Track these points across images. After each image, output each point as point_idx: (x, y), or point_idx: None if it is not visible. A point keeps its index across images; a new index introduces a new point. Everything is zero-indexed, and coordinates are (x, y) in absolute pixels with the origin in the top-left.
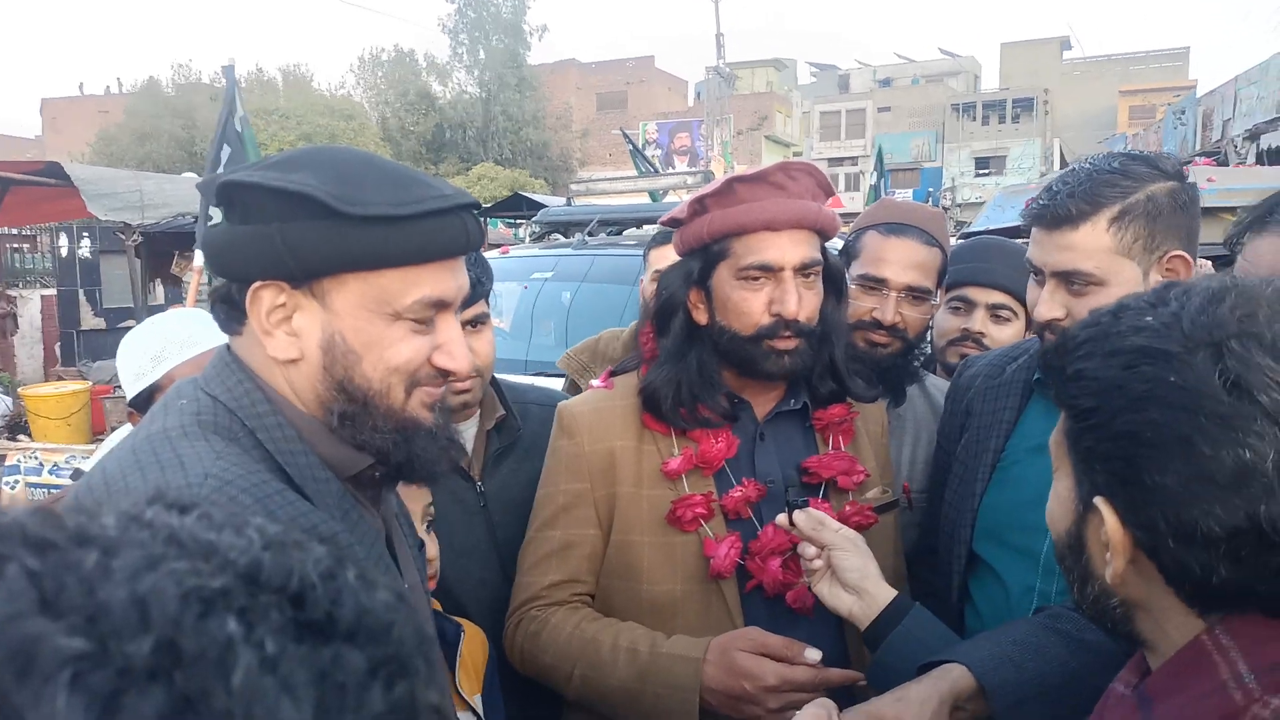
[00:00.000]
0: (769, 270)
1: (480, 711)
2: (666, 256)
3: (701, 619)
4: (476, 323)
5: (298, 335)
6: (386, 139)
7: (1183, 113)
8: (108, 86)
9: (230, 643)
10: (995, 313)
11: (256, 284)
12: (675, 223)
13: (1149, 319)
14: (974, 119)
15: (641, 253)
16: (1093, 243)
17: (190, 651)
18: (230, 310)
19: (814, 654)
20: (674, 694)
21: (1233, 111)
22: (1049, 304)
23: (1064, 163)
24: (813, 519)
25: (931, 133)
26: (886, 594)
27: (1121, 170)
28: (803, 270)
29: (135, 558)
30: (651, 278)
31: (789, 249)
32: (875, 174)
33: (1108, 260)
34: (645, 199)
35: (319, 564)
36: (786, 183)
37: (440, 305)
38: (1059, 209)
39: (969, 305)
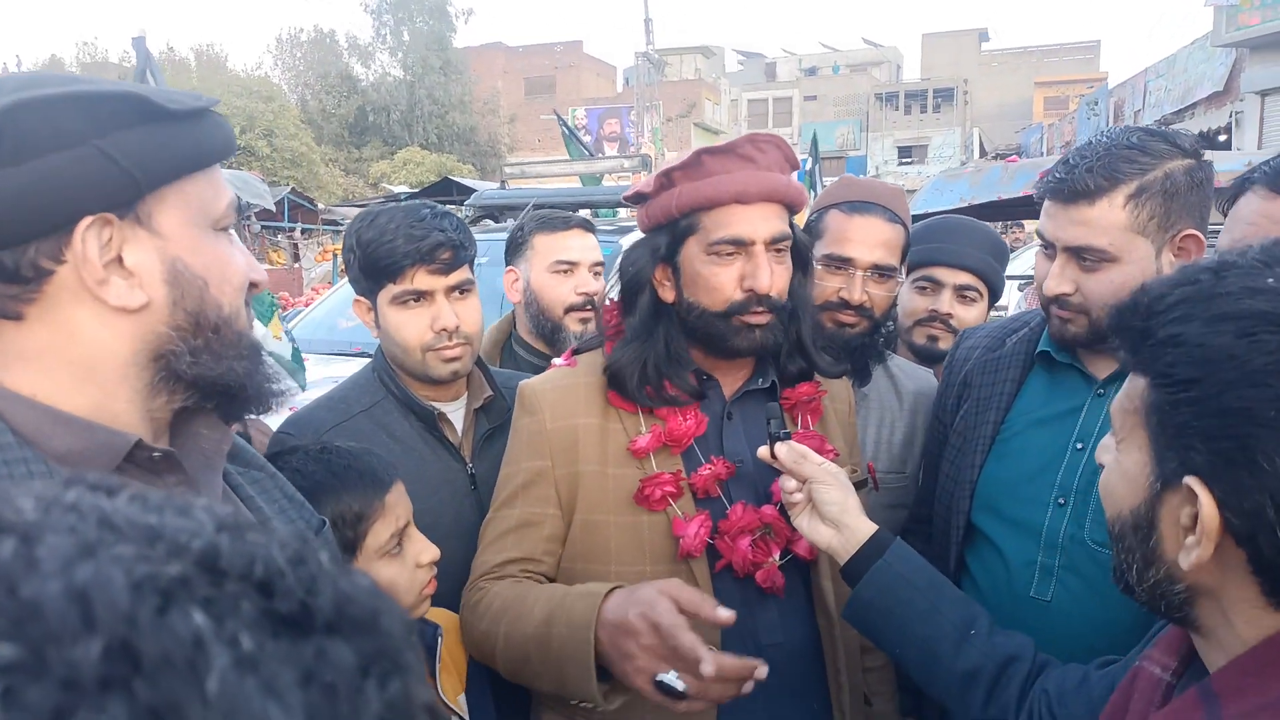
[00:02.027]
0: (740, 244)
1: (465, 714)
2: (565, 245)
3: None
4: (462, 289)
5: (136, 275)
6: (307, 121)
7: (1096, 104)
8: (4, 65)
9: (200, 640)
10: (962, 293)
11: (85, 222)
12: (640, 198)
13: (1269, 280)
14: (897, 108)
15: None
16: (1109, 219)
17: (152, 654)
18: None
19: (726, 613)
20: (573, 633)
21: (1142, 103)
22: (1059, 278)
23: (983, 151)
24: (794, 452)
25: (856, 121)
26: (867, 528)
27: (1140, 146)
28: (774, 244)
29: (65, 544)
30: (551, 268)
31: (760, 222)
32: (810, 159)
33: (1122, 237)
34: (580, 183)
35: (285, 548)
36: (755, 155)
37: (235, 210)
38: (1076, 183)
39: (936, 286)
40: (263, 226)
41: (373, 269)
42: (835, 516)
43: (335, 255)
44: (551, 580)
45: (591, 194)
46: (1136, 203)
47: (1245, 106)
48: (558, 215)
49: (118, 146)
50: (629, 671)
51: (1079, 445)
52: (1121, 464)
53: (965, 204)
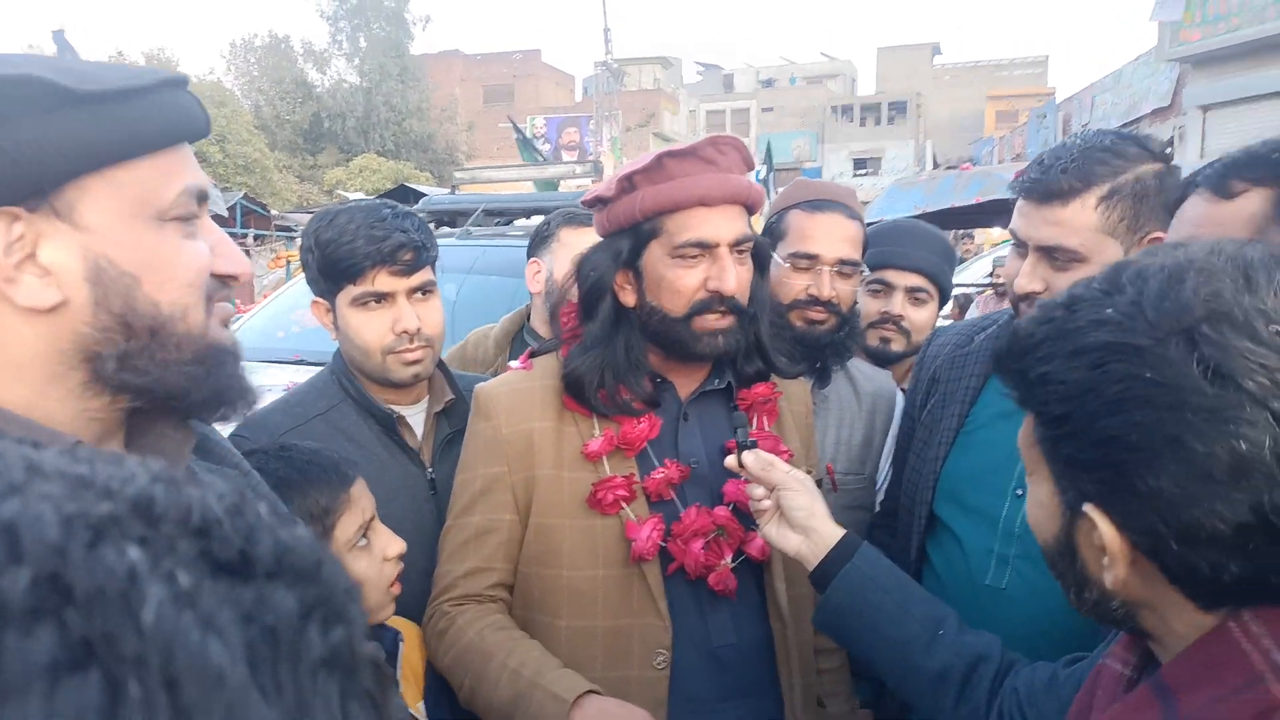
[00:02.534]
0: (705, 247)
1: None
2: (593, 239)
3: (623, 603)
4: (424, 290)
5: (52, 273)
6: (260, 127)
7: (1044, 117)
8: None
9: (134, 574)
10: (913, 295)
11: None
12: (600, 201)
13: (1108, 310)
14: (852, 120)
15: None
16: (1080, 220)
17: (83, 586)
18: None
19: None
20: None
21: (1090, 116)
22: (1030, 276)
23: (936, 163)
24: (762, 460)
25: (812, 133)
26: (834, 532)
27: (1113, 149)
28: (737, 246)
29: None
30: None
31: (724, 225)
32: (765, 168)
33: (1093, 238)
34: (533, 189)
35: (222, 499)
36: (717, 157)
37: (202, 197)
38: (1051, 184)
39: (888, 288)
40: None
41: (332, 270)
42: (803, 522)
43: (289, 262)
44: (510, 588)
45: (542, 199)
46: (1108, 205)
47: (1188, 121)
48: (584, 212)
49: (11, 135)
50: None
51: None
52: (1036, 495)
53: (919, 211)
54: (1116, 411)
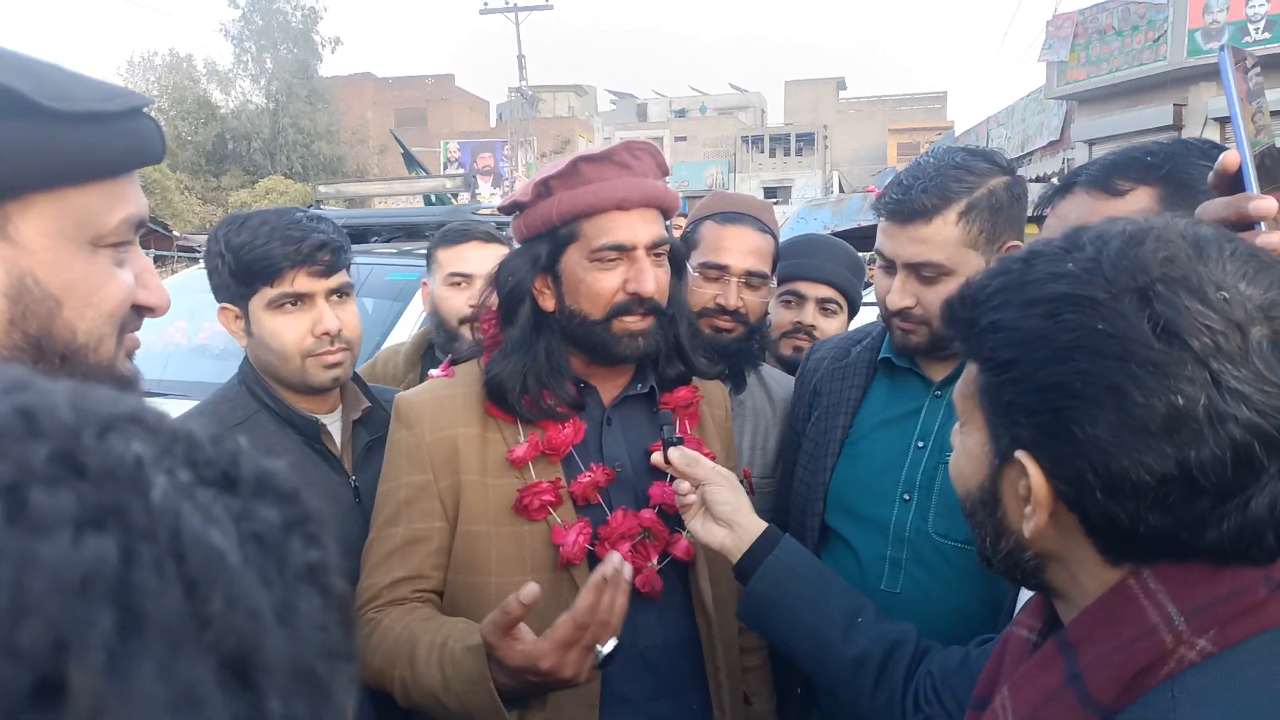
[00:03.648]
0: (623, 250)
1: None
2: (460, 257)
3: (553, 608)
4: (341, 293)
5: None
6: None
7: None
8: None
9: (140, 463)
10: (823, 306)
11: None
12: (517, 207)
13: (1068, 265)
14: (762, 151)
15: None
16: (943, 235)
17: (95, 466)
18: None
19: (529, 590)
20: (472, 688)
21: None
22: (901, 293)
23: (843, 192)
24: (687, 456)
25: (724, 162)
26: (757, 526)
27: (965, 165)
28: (654, 249)
29: None
30: (446, 280)
31: (641, 228)
32: None
33: (957, 252)
34: (409, 203)
35: (205, 428)
36: (631, 162)
37: (139, 225)
38: (912, 203)
39: (800, 299)
40: None
41: (246, 272)
42: (728, 516)
43: None
44: (441, 594)
45: (406, 215)
46: (967, 219)
47: (1076, 154)
48: (458, 229)
49: None
50: (569, 680)
51: (920, 444)
52: (965, 445)
53: (829, 231)
54: (1065, 360)
